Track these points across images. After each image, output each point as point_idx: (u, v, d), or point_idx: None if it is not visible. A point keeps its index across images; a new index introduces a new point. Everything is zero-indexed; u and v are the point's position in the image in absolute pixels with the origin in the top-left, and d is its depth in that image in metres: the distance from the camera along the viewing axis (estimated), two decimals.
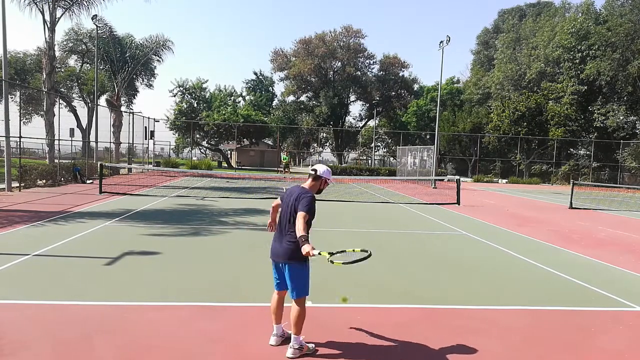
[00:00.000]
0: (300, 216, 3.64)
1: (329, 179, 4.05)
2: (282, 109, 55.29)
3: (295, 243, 3.66)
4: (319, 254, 3.46)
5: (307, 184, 4.00)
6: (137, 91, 48.47)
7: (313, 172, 4.00)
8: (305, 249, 3.44)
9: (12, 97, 31.92)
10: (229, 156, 53.57)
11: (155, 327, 4.34)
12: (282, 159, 38.64)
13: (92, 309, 4.75)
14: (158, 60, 35.23)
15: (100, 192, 15.42)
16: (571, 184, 18.53)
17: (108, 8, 79.60)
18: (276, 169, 39.63)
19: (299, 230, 3.57)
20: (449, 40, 25.58)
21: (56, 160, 20.04)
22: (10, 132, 15.87)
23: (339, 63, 52.36)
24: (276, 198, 4.23)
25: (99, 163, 19.11)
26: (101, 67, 35.23)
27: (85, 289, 5.37)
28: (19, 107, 22.17)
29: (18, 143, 17.36)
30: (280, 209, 4.03)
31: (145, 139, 33.35)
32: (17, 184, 16.06)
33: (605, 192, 27.71)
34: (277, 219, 4.07)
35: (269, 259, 4.03)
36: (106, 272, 6.13)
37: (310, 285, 3.98)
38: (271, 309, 4.13)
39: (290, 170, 38.73)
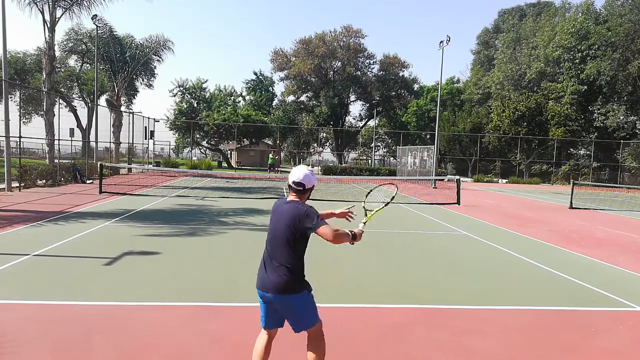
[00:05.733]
0: (325, 229, 2.95)
1: (315, 183, 3.25)
2: (282, 109, 55.32)
3: (291, 273, 3.03)
4: (364, 223, 3.30)
5: (293, 197, 3.18)
6: (137, 91, 48.43)
7: (300, 188, 3.13)
8: (357, 233, 3.10)
9: (12, 97, 31.93)
10: (229, 156, 53.59)
11: (155, 327, 4.34)
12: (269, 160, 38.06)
13: (92, 309, 4.75)
14: (158, 60, 35.25)
15: (100, 192, 15.42)
16: (571, 184, 18.52)
17: (108, 8, 79.67)
18: (276, 169, 39.65)
19: (337, 234, 2.95)
20: (449, 40, 25.58)
21: (56, 160, 20.03)
22: (10, 132, 15.87)
23: (339, 63, 52.36)
24: (276, 198, 3.84)
25: (99, 163, 19.11)
26: (101, 67, 35.22)
27: (85, 289, 5.37)
28: (19, 107, 22.12)
29: (18, 143, 17.36)
30: (268, 232, 3.21)
31: (145, 139, 33.35)
32: (17, 184, 16.06)
33: (606, 192, 27.71)
34: (267, 241, 3.20)
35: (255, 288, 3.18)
36: (106, 272, 6.13)
37: (310, 285, 3.90)
38: (255, 354, 3.24)
39: (277, 170, 38.36)
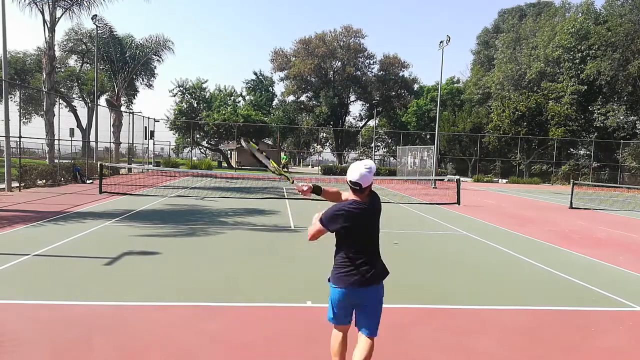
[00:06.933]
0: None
1: (372, 179, 3.14)
2: (282, 109, 55.29)
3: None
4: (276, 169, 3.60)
5: (355, 196, 3.17)
6: (137, 91, 48.41)
7: (357, 187, 3.09)
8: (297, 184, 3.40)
9: (12, 97, 31.97)
10: (229, 156, 53.57)
11: (155, 327, 4.34)
12: (280, 158, 38.41)
13: (92, 309, 4.75)
14: (158, 60, 35.24)
15: (100, 192, 15.41)
16: (571, 184, 18.52)
17: (108, 8, 79.62)
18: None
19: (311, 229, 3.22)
20: (449, 40, 25.57)
21: (56, 160, 20.03)
22: (10, 132, 15.86)
23: (339, 63, 52.35)
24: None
25: (99, 163, 19.11)
26: (101, 67, 35.20)
27: (85, 289, 5.37)
28: (19, 107, 22.17)
29: (18, 143, 17.36)
30: (357, 230, 3.15)
31: (145, 139, 33.34)
32: (17, 184, 16.06)
33: (606, 192, 27.70)
34: (356, 240, 3.18)
35: (346, 288, 3.13)
36: (106, 272, 6.13)
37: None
38: (334, 351, 3.30)
39: (288, 169, 38.53)
